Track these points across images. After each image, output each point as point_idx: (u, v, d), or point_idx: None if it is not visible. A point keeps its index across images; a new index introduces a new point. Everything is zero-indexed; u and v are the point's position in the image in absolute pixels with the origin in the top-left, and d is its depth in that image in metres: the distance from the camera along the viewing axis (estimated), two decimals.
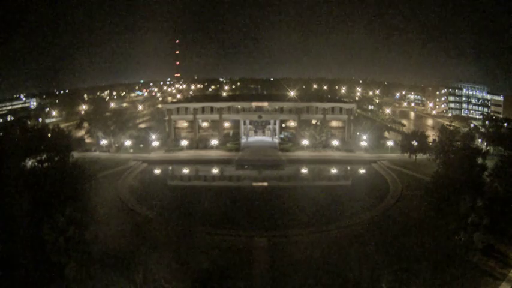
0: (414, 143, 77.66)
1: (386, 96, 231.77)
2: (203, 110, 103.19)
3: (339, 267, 35.06)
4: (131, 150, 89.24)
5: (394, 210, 52.04)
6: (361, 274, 33.41)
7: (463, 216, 37.61)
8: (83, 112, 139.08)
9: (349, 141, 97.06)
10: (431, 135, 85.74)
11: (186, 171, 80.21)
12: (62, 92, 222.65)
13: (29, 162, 53.89)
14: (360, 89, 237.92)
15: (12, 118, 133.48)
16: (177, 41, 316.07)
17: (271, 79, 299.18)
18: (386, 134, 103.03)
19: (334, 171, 79.07)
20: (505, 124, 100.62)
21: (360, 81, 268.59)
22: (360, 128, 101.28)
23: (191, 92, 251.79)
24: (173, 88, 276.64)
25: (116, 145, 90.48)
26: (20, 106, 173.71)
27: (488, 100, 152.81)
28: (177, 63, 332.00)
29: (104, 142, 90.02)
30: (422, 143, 77.30)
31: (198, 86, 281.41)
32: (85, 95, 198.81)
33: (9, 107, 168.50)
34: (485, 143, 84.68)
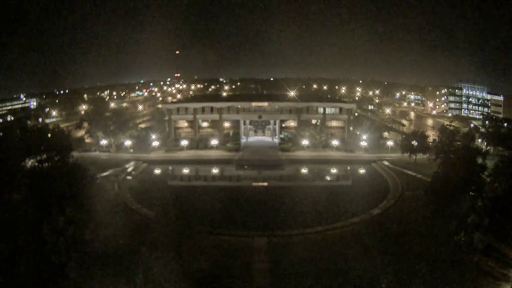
0: (414, 143, 77.68)
1: (387, 96, 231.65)
2: (203, 110, 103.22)
3: (339, 267, 35.05)
4: (131, 150, 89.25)
5: (394, 210, 52.05)
6: (361, 274, 33.40)
7: (463, 216, 37.61)
8: (83, 112, 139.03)
9: (349, 141, 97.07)
10: (431, 135, 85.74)
11: (186, 171, 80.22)
12: (62, 92, 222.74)
13: (29, 162, 53.82)
14: (360, 89, 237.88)
15: (12, 118, 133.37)
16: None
17: (271, 79, 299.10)
18: (386, 134, 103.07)
19: (334, 171, 79.11)
20: (505, 124, 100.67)
21: (360, 81, 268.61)
22: (360, 128, 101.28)
23: (191, 92, 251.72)
24: (173, 88, 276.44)
25: (116, 145, 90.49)
26: (20, 106, 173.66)
27: (488, 100, 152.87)
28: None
29: (104, 142, 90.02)
30: (422, 143, 77.31)
31: (198, 86, 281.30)
32: (85, 95, 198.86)
33: (9, 107, 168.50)
34: (485, 143, 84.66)
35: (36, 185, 37.70)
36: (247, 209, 53.35)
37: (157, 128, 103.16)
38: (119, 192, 59.79)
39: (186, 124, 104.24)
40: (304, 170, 79.06)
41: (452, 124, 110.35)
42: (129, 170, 74.96)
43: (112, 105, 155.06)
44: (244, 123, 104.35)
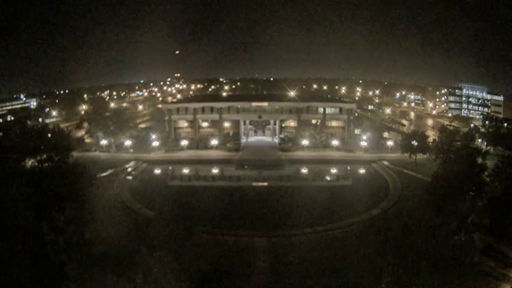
0: (414, 143, 77.68)
1: (387, 96, 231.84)
2: (203, 110, 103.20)
3: (339, 267, 35.04)
4: (131, 150, 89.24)
5: (394, 210, 52.02)
6: (361, 274, 33.39)
7: (463, 216, 37.64)
8: (83, 112, 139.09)
9: (349, 141, 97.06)
10: (431, 135, 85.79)
11: (186, 171, 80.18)
12: (62, 92, 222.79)
13: (29, 162, 53.87)
14: (360, 89, 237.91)
15: (12, 118, 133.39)
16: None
17: (271, 79, 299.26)
18: (386, 134, 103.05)
19: (334, 171, 79.05)
20: (505, 124, 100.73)
21: (360, 81, 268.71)
22: (360, 128, 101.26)
23: (191, 92, 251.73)
24: (173, 88, 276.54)
25: (116, 145, 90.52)
26: (20, 106, 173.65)
27: (488, 100, 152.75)
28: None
29: (104, 142, 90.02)
30: (422, 143, 77.33)
31: (198, 86, 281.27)
32: (85, 95, 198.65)
33: (9, 107, 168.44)
34: (485, 143, 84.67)
35: (36, 185, 37.71)
36: (248, 209, 53.35)
37: (157, 128, 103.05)
38: (119, 192, 59.78)
39: (186, 124, 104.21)
40: (304, 170, 79.03)
41: (452, 124, 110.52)
42: (129, 170, 74.97)
43: (112, 105, 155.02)
44: (244, 123, 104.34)
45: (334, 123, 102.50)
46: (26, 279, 29.23)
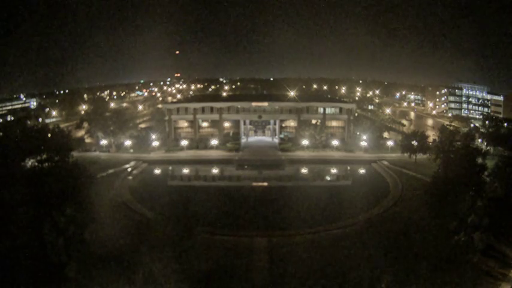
0: (414, 143, 77.68)
1: (387, 96, 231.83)
2: (203, 110, 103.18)
3: (339, 267, 35.04)
4: (131, 150, 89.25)
5: (394, 210, 52.04)
6: (361, 274, 33.38)
7: (463, 216, 37.65)
8: (83, 112, 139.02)
9: (349, 141, 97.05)
10: (431, 135, 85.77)
11: (186, 171, 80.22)
12: (62, 92, 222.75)
13: (29, 162, 53.82)
14: (360, 89, 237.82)
15: (12, 118, 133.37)
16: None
17: (271, 79, 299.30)
18: (386, 134, 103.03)
19: (334, 171, 79.12)
20: (505, 124, 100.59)
21: (360, 81, 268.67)
22: (360, 128, 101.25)
23: (191, 92, 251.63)
24: (173, 88, 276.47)
25: (116, 145, 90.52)
26: (20, 106, 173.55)
27: (488, 100, 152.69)
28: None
29: (104, 142, 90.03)
30: (422, 143, 77.32)
31: (198, 86, 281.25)
32: (85, 95, 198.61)
33: (9, 107, 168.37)
34: (485, 143, 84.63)
35: (37, 184, 37.72)
36: (248, 209, 53.34)
37: (157, 128, 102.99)
38: (119, 192, 59.76)
39: (186, 124, 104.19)
40: (304, 170, 79.07)
41: (452, 124, 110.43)
42: (129, 169, 74.96)
43: (112, 105, 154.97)
44: (244, 123, 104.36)
45: (334, 123, 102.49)
46: (26, 280, 29.24)
